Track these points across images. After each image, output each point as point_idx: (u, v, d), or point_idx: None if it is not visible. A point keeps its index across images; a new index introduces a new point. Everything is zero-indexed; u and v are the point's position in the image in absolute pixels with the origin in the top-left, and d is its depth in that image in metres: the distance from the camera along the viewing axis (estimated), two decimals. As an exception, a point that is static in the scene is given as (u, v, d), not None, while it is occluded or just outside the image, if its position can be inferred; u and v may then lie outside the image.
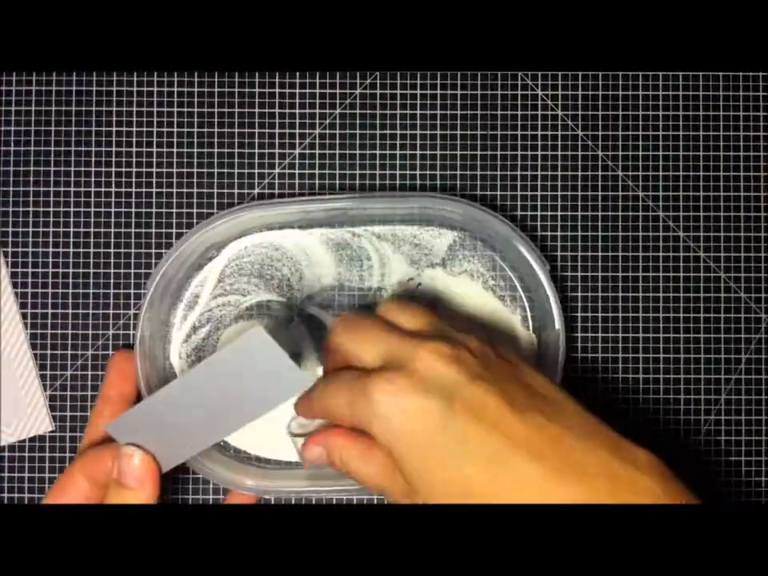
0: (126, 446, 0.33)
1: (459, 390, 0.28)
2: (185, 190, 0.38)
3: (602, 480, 0.27)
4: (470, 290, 0.38)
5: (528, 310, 0.38)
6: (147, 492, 0.33)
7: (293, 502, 0.38)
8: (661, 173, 0.38)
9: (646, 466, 0.28)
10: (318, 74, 0.38)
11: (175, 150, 0.38)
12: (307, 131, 0.38)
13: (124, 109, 0.38)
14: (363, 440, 0.30)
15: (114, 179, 0.38)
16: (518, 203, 0.38)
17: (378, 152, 0.38)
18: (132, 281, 0.38)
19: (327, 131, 0.38)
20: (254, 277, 0.38)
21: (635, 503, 0.27)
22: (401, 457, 0.28)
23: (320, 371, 0.36)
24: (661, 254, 0.38)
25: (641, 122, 0.38)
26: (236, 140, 0.38)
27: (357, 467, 0.30)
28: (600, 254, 0.38)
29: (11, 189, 0.38)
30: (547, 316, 0.36)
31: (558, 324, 0.36)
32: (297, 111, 0.38)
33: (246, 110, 0.38)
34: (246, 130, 0.38)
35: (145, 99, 0.38)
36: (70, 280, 0.38)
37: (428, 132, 0.38)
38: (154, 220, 0.38)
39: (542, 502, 0.27)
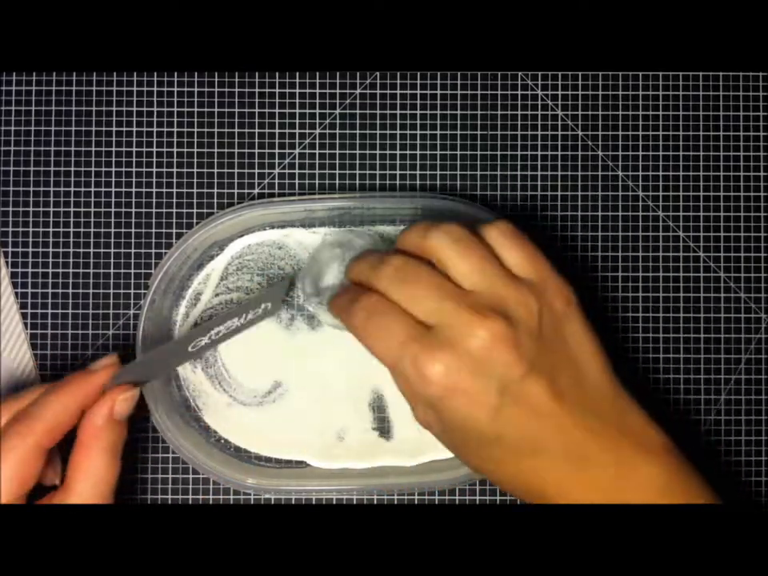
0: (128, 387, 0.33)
1: (514, 383, 0.29)
2: (185, 190, 0.38)
3: (611, 468, 0.29)
4: None
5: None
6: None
7: (293, 501, 0.38)
8: (661, 173, 0.38)
9: (656, 450, 0.30)
10: (317, 74, 0.38)
11: (175, 149, 0.38)
12: (307, 131, 0.38)
13: (124, 109, 0.38)
14: (388, 308, 0.30)
15: (113, 179, 0.38)
16: (518, 203, 0.38)
17: (377, 152, 0.38)
18: (132, 281, 0.38)
19: (327, 131, 0.38)
20: (256, 275, 0.38)
21: (637, 494, 0.29)
22: (442, 426, 0.30)
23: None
24: (661, 254, 0.38)
25: (641, 122, 0.38)
26: (236, 140, 0.38)
27: (372, 341, 0.31)
28: (600, 254, 0.38)
29: (11, 189, 0.38)
30: None
31: None
32: (297, 111, 0.38)
33: (246, 110, 0.38)
34: (246, 130, 0.38)
35: (145, 99, 0.38)
36: (70, 280, 0.38)
37: (428, 132, 0.38)
38: (153, 220, 0.38)
39: (558, 496, 0.29)
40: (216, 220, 0.36)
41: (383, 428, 0.38)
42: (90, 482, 0.31)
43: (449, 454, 0.37)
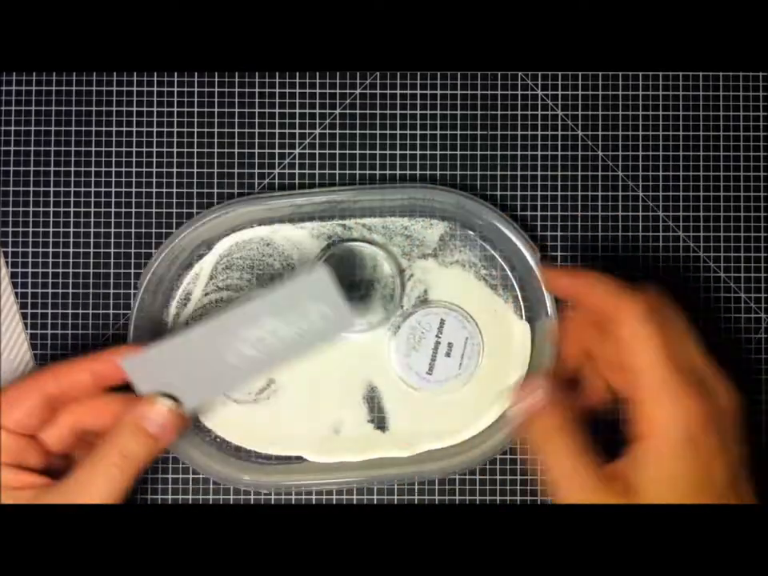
0: (158, 396, 0.33)
1: (741, 458, 0.30)
2: (185, 191, 0.38)
3: None
4: (463, 280, 0.38)
5: (521, 299, 0.38)
6: (162, 444, 0.32)
7: (293, 497, 0.38)
8: (661, 173, 0.38)
9: None
10: (317, 74, 0.38)
11: (175, 149, 0.38)
12: (307, 131, 0.38)
13: (124, 109, 0.38)
14: (576, 439, 0.30)
15: (113, 179, 0.38)
16: (518, 203, 0.38)
17: (378, 152, 0.38)
18: (132, 281, 0.38)
19: (327, 131, 0.38)
20: (245, 272, 0.38)
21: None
22: (667, 481, 0.29)
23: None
24: (661, 254, 0.38)
25: (641, 122, 0.38)
26: (236, 140, 0.38)
27: (554, 468, 0.30)
28: (600, 254, 0.38)
29: (11, 189, 0.38)
30: (540, 304, 0.36)
31: (551, 311, 0.36)
32: (297, 111, 0.38)
33: (246, 110, 0.38)
34: (246, 130, 0.38)
35: (145, 99, 0.38)
36: (70, 280, 0.38)
37: (428, 132, 0.38)
38: (154, 220, 0.38)
39: None
40: (202, 219, 0.36)
41: (378, 420, 0.38)
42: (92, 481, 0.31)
43: (444, 443, 0.37)
